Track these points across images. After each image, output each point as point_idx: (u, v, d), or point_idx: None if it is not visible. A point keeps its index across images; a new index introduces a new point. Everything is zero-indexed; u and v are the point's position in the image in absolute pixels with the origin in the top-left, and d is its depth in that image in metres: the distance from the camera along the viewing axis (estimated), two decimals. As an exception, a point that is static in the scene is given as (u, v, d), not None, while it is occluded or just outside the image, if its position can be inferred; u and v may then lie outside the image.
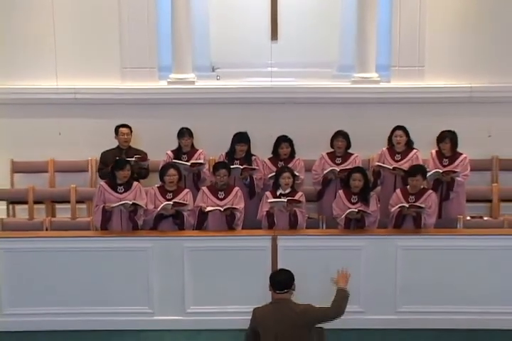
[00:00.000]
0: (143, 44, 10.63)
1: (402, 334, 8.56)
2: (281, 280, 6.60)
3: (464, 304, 8.62)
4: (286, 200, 8.68)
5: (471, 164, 9.57)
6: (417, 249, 8.62)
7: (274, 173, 9.39)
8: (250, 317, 6.66)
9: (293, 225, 8.78)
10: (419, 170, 8.84)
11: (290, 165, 9.39)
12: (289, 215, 8.77)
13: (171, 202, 8.74)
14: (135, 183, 9.01)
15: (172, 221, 8.84)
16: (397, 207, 8.70)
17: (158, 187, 9.00)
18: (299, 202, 8.75)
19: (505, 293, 8.61)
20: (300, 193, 8.92)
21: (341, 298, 6.61)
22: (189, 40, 10.71)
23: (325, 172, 9.46)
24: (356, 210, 8.66)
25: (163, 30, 10.76)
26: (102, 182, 9.07)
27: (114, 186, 8.91)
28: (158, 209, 8.75)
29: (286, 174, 8.86)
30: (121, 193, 8.87)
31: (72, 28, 10.56)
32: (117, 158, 9.46)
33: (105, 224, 8.85)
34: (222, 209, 8.71)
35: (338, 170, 9.40)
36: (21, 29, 10.59)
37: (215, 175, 8.99)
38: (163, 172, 8.95)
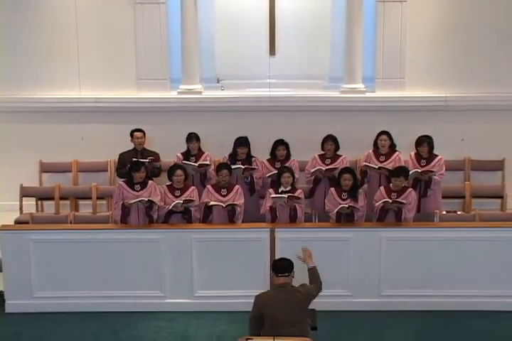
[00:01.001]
0: (156, 58, 10.61)
1: (385, 315, 8.56)
2: (283, 265, 6.64)
3: (440, 288, 8.64)
4: (287, 196, 8.67)
5: (446, 164, 9.58)
6: (399, 240, 8.62)
7: (272, 172, 9.43)
8: (253, 303, 6.62)
9: (293, 218, 8.78)
10: (402, 172, 8.84)
11: (287, 165, 9.35)
12: (289, 210, 8.75)
13: (181, 201, 8.72)
14: (150, 182, 9.00)
15: (181, 216, 8.83)
16: (381, 202, 8.69)
17: (167, 185, 9.00)
18: (298, 198, 8.75)
19: (476, 278, 8.61)
20: (299, 190, 8.94)
21: (317, 275, 6.80)
22: (197, 55, 10.70)
23: (312, 170, 9.46)
24: (347, 206, 8.66)
25: (173, 46, 10.76)
26: (121, 182, 9.05)
27: (131, 185, 8.90)
28: (170, 206, 8.74)
29: (287, 174, 8.88)
30: (137, 191, 8.86)
31: (93, 45, 10.56)
32: (133, 158, 9.49)
33: (125, 219, 8.84)
34: (224, 206, 8.70)
35: (324, 169, 9.38)
36: (49, 46, 10.57)
37: (217, 174, 8.98)
38: (171, 172, 8.97)
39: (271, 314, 6.51)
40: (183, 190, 8.92)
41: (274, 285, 6.76)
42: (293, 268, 6.66)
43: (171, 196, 8.87)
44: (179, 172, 8.91)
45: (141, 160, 9.43)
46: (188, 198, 8.80)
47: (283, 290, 6.58)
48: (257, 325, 6.57)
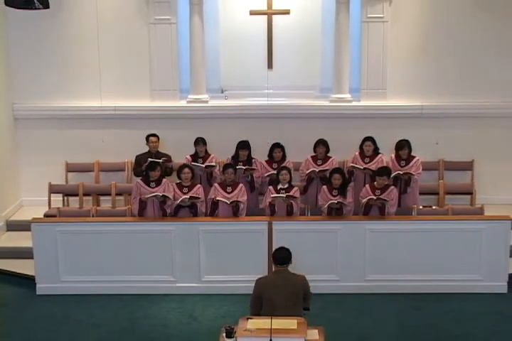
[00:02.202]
0: (167, 72, 10.60)
1: (369, 297, 8.60)
2: (283, 257, 6.64)
3: (417, 273, 8.67)
4: (285, 196, 8.68)
5: (422, 165, 9.59)
6: (382, 231, 8.64)
7: (270, 172, 9.43)
8: (254, 286, 6.65)
9: (289, 213, 8.79)
10: (385, 171, 8.87)
11: (284, 165, 9.37)
12: (286, 206, 8.77)
13: (188, 197, 8.74)
14: (164, 180, 9.00)
15: (188, 210, 8.85)
16: (367, 198, 8.71)
17: (176, 183, 9.01)
18: (295, 197, 8.77)
19: (448, 265, 8.65)
20: (295, 188, 8.93)
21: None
22: (203, 68, 10.71)
23: (307, 172, 9.48)
24: (336, 201, 8.67)
25: (183, 61, 10.75)
26: (139, 180, 9.05)
27: (147, 182, 8.91)
28: (178, 201, 8.76)
29: (285, 172, 8.90)
30: (153, 188, 8.86)
31: (113, 60, 10.54)
32: (149, 159, 9.47)
33: (142, 212, 8.86)
34: (228, 202, 8.72)
35: (318, 170, 9.40)
36: (74, 62, 10.57)
37: (224, 173, 8.99)
38: (179, 171, 8.98)
39: (269, 296, 6.53)
40: (191, 188, 8.93)
41: (273, 270, 6.79)
42: (291, 257, 6.68)
43: (179, 192, 8.87)
44: (186, 170, 8.93)
45: (156, 160, 9.45)
46: (194, 195, 8.82)
47: (281, 275, 6.61)
48: (257, 306, 6.61)
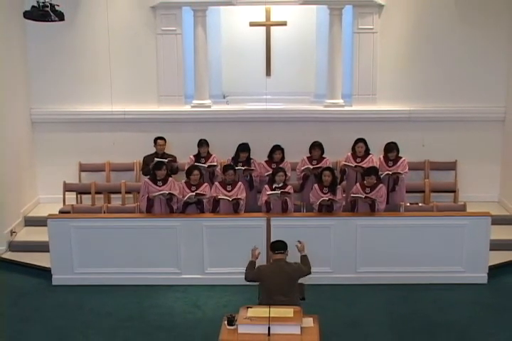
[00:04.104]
0: (173, 79, 10.60)
1: (360, 288, 8.62)
2: (279, 244, 6.81)
3: (404, 265, 8.68)
4: (280, 192, 8.70)
5: (409, 165, 9.61)
6: (372, 226, 8.66)
7: (270, 172, 9.41)
8: (254, 271, 6.80)
9: (284, 210, 8.81)
10: (373, 171, 8.89)
11: (281, 166, 9.39)
12: (281, 203, 8.78)
13: (194, 193, 8.76)
14: (170, 179, 9.01)
15: (195, 206, 8.85)
16: (356, 195, 8.74)
17: (185, 182, 9.03)
18: (289, 193, 8.79)
19: (433, 257, 8.67)
20: (289, 186, 8.95)
21: (308, 261, 6.94)
22: (207, 75, 10.72)
23: (302, 168, 9.50)
24: (327, 198, 8.68)
25: (188, 69, 10.76)
26: (146, 179, 9.06)
27: (154, 181, 8.92)
28: (185, 198, 8.77)
29: (281, 173, 8.92)
30: (160, 186, 8.87)
31: (123, 68, 10.53)
32: (155, 159, 9.48)
33: (149, 209, 8.86)
34: (230, 199, 8.74)
35: (312, 167, 9.43)
36: (88, 70, 10.58)
37: (224, 174, 9.01)
38: (189, 172, 9.00)
39: (266, 283, 6.64)
40: (198, 186, 8.96)
41: (271, 260, 6.87)
42: (287, 247, 6.75)
43: (188, 191, 8.88)
44: (195, 172, 8.97)
45: (162, 159, 9.45)
46: (200, 192, 8.83)
47: (277, 264, 6.71)
48: (251, 276, 6.85)
